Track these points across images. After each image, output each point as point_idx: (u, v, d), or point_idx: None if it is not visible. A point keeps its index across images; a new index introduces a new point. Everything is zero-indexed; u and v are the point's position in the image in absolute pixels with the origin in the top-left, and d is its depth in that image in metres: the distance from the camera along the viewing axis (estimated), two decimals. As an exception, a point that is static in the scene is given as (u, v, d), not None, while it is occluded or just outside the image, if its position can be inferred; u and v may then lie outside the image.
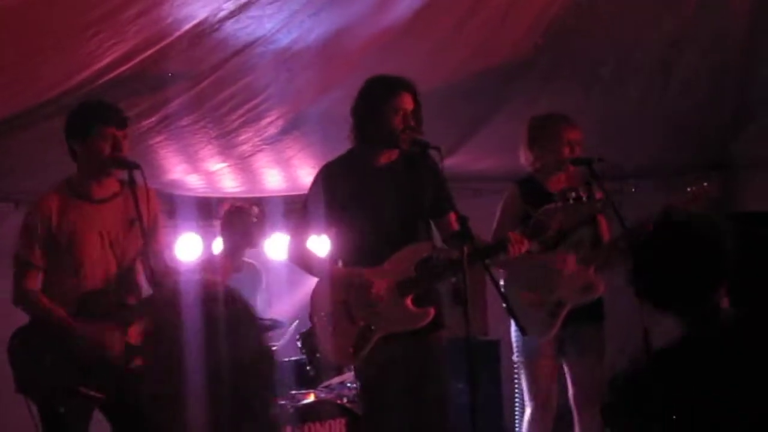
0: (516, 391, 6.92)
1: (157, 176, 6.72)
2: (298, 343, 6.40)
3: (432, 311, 4.75)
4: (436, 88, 5.95)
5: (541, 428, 5.48)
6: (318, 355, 6.01)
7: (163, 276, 4.43)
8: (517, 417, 7.04)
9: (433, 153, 4.62)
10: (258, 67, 5.71)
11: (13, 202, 6.61)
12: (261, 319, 6.40)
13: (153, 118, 5.94)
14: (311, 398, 6.03)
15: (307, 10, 5.27)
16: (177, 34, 5.01)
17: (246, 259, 6.69)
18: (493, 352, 7.37)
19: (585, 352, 5.46)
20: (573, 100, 6.52)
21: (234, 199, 6.98)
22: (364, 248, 4.78)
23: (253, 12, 5.07)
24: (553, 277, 5.35)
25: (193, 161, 6.88)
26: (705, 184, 5.52)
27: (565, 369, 5.52)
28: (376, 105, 4.75)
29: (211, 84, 5.73)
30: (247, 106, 6.11)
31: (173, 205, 7.31)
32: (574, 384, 5.52)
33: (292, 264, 5.21)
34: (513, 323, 5.19)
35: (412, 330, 4.75)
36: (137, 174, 4.37)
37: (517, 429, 6.95)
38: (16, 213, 6.45)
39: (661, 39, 6.44)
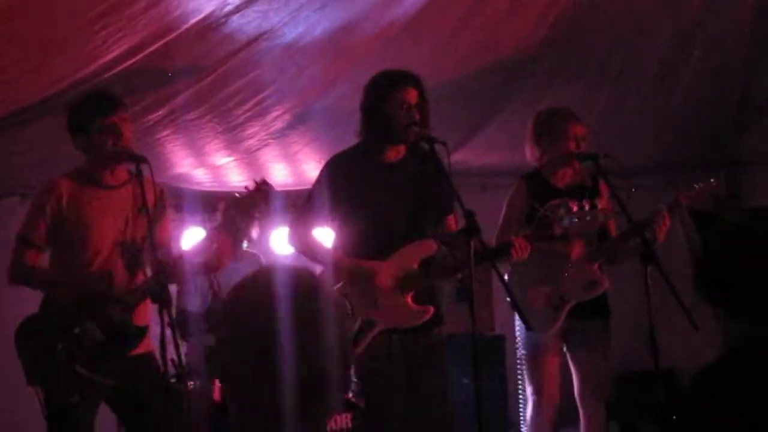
0: (521, 385, 6.93)
1: (164, 170, 6.73)
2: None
3: (432, 309, 4.75)
4: (442, 83, 5.95)
5: (545, 423, 5.47)
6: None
7: (169, 264, 4.42)
8: (521, 411, 7.06)
9: (439, 148, 4.61)
10: (264, 62, 5.71)
11: (19, 196, 6.62)
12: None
13: (160, 112, 5.95)
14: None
15: (313, 4, 5.27)
16: (183, 27, 5.01)
17: (249, 249, 6.70)
18: (499, 347, 7.37)
19: (590, 347, 5.46)
20: (578, 97, 6.52)
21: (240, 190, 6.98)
22: (367, 242, 4.77)
23: (259, 6, 5.07)
24: (558, 272, 5.35)
25: (199, 155, 6.89)
26: (712, 180, 5.52)
27: (570, 364, 5.52)
28: (381, 100, 4.74)
29: (217, 78, 5.74)
30: (253, 101, 6.12)
31: (180, 199, 7.32)
32: (579, 379, 5.51)
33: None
34: (518, 318, 5.19)
35: (412, 327, 4.75)
36: (145, 168, 4.36)
37: (522, 423, 6.97)
38: (22, 207, 6.46)
39: (666, 36, 6.43)
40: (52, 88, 5.26)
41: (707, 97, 7.02)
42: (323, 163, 4.99)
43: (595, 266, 5.38)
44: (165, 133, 6.28)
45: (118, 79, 5.28)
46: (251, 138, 6.67)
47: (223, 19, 5.08)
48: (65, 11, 4.50)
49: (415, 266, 4.76)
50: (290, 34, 5.48)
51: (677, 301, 4.56)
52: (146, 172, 4.34)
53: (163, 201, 4.74)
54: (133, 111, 5.73)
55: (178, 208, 7.25)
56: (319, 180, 4.88)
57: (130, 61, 5.16)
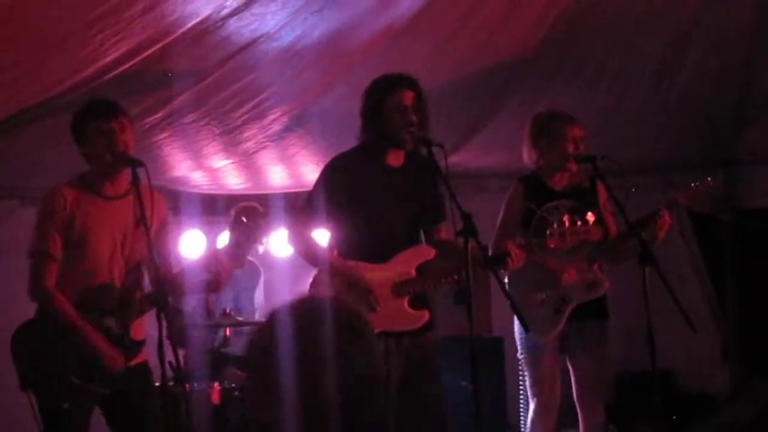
0: (520, 388, 6.93)
1: (162, 173, 6.73)
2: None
3: (427, 314, 4.77)
4: (440, 85, 5.95)
5: (544, 425, 5.47)
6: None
7: (170, 279, 4.42)
8: (521, 414, 7.06)
9: (437, 150, 4.62)
10: (262, 65, 5.71)
11: (18, 198, 6.63)
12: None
13: (157, 115, 5.95)
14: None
15: (311, 7, 5.27)
16: (181, 31, 5.01)
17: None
18: (497, 349, 7.37)
19: (589, 349, 5.45)
20: (576, 98, 6.52)
21: (240, 197, 6.99)
22: (366, 245, 4.78)
23: (257, 9, 5.07)
24: (557, 274, 5.35)
25: (197, 158, 6.90)
26: (709, 180, 5.52)
27: (569, 366, 5.52)
28: (378, 103, 4.76)
29: (215, 81, 5.74)
30: (251, 104, 6.12)
31: (178, 202, 7.33)
32: (578, 381, 5.51)
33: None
34: (516, 320, 5.19)
35: (407, 331, 4.77)
36: (141, 171, 4.36)
37: (521, 426, 6.97)
38: (22, 209, 6.48)
39: (665, 36, 6.43)
40: (50, 90, 5.26)
41: (705, 97, 7.02)
42: (321, 165, 4.99)
43: (595, 267, 5.39)
44: (163, 135, 6.28)
45: (115, 81, 5.28)
46: (249, 141, 6.68)
47: (221, 23, 5.08)
48: (63, 14, 4.50)
49: (413, 271, 4.77)
50: (288, 37, 5.48)
51: (675, 302, 4.57)
52: (143, 177, 4.33)
53: (163, 212, 4.73)
54: (131, 114, 5.72)
55: (176, 210, 7.26)
56: (318, 182, 4.88)
57: (128, 64, 5.16)
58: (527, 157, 5.55)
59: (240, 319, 6.48)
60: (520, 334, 5.45)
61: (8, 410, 5.25)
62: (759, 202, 8.03)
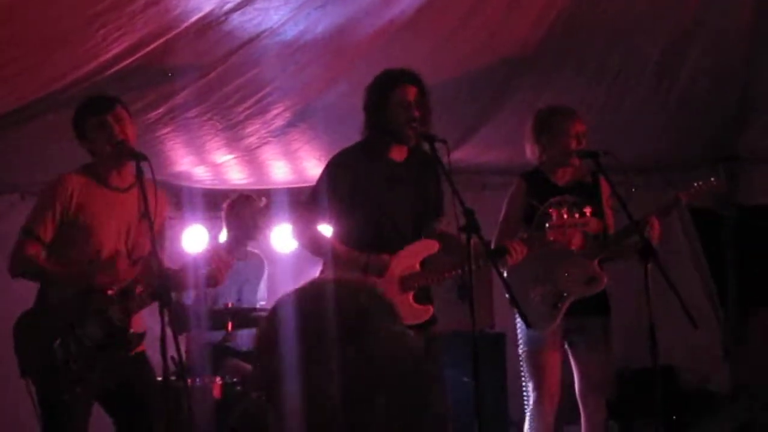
0: (522, 383, 6.93)
1: (165, 168, 6.74)
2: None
3: (431, 309, 4.80)
4: (441, 81, 5.95)
5: (544, 420, 5.47)
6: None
7: (170, 274, 4.42)
8: (523, 409, 7.06)
9: (440, 146, 4.62)
10: (265, 60, 5.71)
11: (19, 193, 6.64)
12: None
13: (160, 110, 5.96)
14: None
15: (314, 2, 5.28)
16: (184, 26, 5.02)
17: (250, 249, 6.69)
18: (499, 344, 7.37)
19: (591, 344, 5.45)
20: (577, 95, 6.52)
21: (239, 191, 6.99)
22: (369, 240, 4.79)
23: (260, 4, 5.08)
24: (557, 269, 5.35)
25: (200, 153, 6.90)
26: (713, 179, 5.52)
27: (571, 361, 5.52)
28: (381, 98, 4.77)
29: (217, 76, 5.74)
30: (253, 99, 6.12)
31: (180, 197, 7.33)
32: (579, 376, 5.51)
33: (299, 244, 5.20)
34: (518, 315, 5.19)
35: (412, 325, 4.77)
36: (145, 165, 4.37)
37: (522, 421, 6.98)
38: (23, 204, 6.48)
39: (665, 34, 6.43)
40: (52, 85, 5.26)
41: (706, 96, 7.01)
42: (324, 160, 5.00)
43: (595, 262, 5.38)
44: (165, 131, 6.29)
45: (118, 77, 5.29)
46: (252, 136, 6.68)
47: (224, 17, 5.08)
48: (65, 9, 4.51)
49: (417, 265, 4.78)
50: (291, 32, 5.48)
51: (677, 298, 4.57)
52: (147, 171, 4.34)
53: (164, 210, 4.76)
54: (134, 109, 5.72)
55: (179, 206, 7.27)
56: (322, 178, 4.89)
57: (130, 59, 5.17)
58: (530, 152, 5.55)
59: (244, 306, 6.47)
60: (522, 329, 5.46)
61: (11, 401, 5.25)
62: (759, 199, 8.03)
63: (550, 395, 5.43)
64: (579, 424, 5.56)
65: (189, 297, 6.29)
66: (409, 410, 2.01)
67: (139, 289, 4.57)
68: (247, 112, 6.26)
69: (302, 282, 2.09)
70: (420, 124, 4.72)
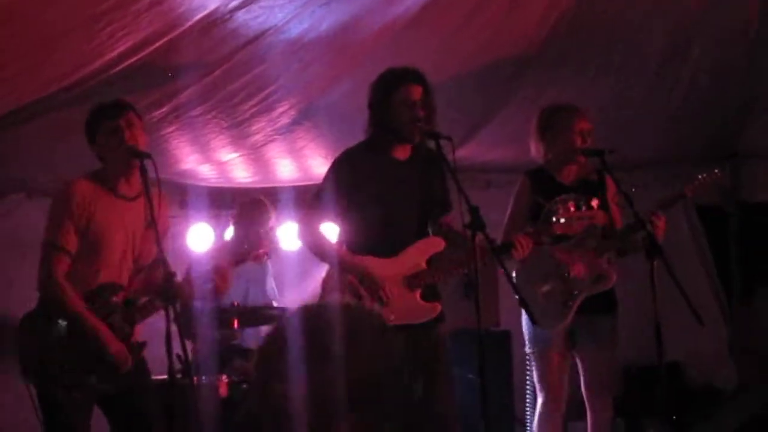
0: (528, 381, 6.93)
1: (170, 166, 6.73)
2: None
3: (439, 306, 4.80)
4: (446, 78, 5.95)
5: (552, 418, 5.47)
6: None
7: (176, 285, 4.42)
8: (528, 407, 7.06)
9: (444, 144, 4.62)
10: (269, 58, 5.71)
11: (25, 192, 6.64)
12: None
13: (165, 108, 5.95)
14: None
15: (318, 0, 5.27)
16: (188, 24, 5.01)
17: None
18: (505, 342, 7.37)
19: (597, 343, 5.44)
20: (582, 91, 6.51)
21: (245, 190, 7.01)
22: (375, 239, 4.80)
23: (265, 2, 5.07)
24: (565, 268, 5.35)
25: (205, 151, 6.90)
26: (716, 171, 5.51)
27: (577, 359, 5.51)
28: (385, 97, 4.78)
29: (222, 74, 5.74)
30: (258, 97, 6.12)
31: (185, 195, 7.33)
32: (586, 374, 5.50)
33: (304, 246, 5.21)
34: (524, 314, 5.18)
35: (419, 324, 4.78)
36: (149, 164, 4.37)
37: (528, 419, 6.97)
38: (29, 203, 6.49)
39: (668, 31, 6.42)
40: (56, 84, 5.26)
41: (709, 93, 7.01)
42: (330, 158, 5.00)
43: (603, 260, 5.38)
44: (170, 129, 6.29)
45: (122, 75, 5.29)
46: (257, 134, 6.68)
47: (228, 15, 5.08)
48: (69, 7, 4.50)
49: (423, 263, 4.78)
50: (295, 29, 5.48)
51: (683, 295, 4.56)
52: (150, 169, 4.34)
53: (166, 217, 4.77)
54: (138, 107, 5.73)
55: (184, 204, 7.27)
56: (327, 177, 4.90)
57: (135, 58, 5.17)
58: (534, 150, 5.55)
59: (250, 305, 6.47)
60: (528, 327, 5.45)
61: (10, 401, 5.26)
62: (763, 196, 8.02)
63: (557, 395, 5.43)
64: (585, 421, 5.56)
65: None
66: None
67: (143, 299, 4.58)
68: (253, 110, 6.26)
69: (307, 292, 2.14)
70: (424, 123, 4.72)
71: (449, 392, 4.88)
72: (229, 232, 6.93)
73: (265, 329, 6.67)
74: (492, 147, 7.47)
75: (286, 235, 7.56)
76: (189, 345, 5.47)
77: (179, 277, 4.44)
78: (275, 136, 6.77)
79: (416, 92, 4.75)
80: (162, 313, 4.14)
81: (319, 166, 7.13)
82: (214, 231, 7.38)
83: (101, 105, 4.61)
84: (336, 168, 4.90)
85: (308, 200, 5.21)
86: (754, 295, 7.90)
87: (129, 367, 4.49)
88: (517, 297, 4.55)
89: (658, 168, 7.77)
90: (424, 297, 4.80)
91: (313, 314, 2.05)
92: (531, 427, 5.82)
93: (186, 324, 5.54)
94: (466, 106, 6.69)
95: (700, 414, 6.94)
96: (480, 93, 6.74)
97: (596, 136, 5.44)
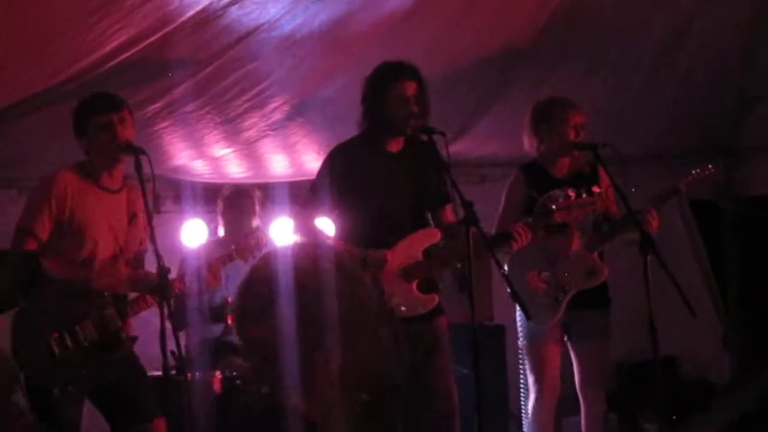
0: (521, 375, 6.94)
1: (163, 162, 6.73)
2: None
3: (437, 297, 4.80)
4: (440, 73, 5.95)
5: (545, 412, 5.48)
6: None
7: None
8: (522, 401, 7.06)
9: (438, 139, 4.63)
10: (262, 53, 5.71)
11: (16, 188, 6.63)
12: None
13: (158, 104, 5.95)
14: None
15: (311, -5, 5.27)
16: (181, 19, 5.01)
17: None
18: (499, 337, 7.37)
19: (591, 337, 5.45)
20: (576, 85, 6.50)
21: (233, 185, 6.99)
22: (370, 232, 4.80)
23: (258, -3, 5.08)
24: (558, 262, 5.35)
25: (198, 147, 6.89)
26: (710, 166, 5.51)
27: (571, 353, 5.52)
28: (379, 93, 4.78)
29: (215, 70, 5.74)
30: (252, 92, 6.12)
31: (179, 191, 7.32)
32: (579, 368, 5.51)
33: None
34: (518, 308, 5.19)
35: (417, 316, 4.78)
36: (144, 160, 4.37)
37: (522, 413, 6.98)
38: (20, 199, 6.46)
39: (664, 25, 6.42)
40: (50, 79, 5.26)
41: (704, 87, 7.01)
42: (323, 154, 5.01)
43: (595, 255, 5.38)
44: (163, 124, 6.28)
45: (116, 71, 5.29)
46: (250, 129, 6.67)
47: (221, 11, 5.08)
48: (62, 3, 4.50)
49: (420, 255, 4.79)
50: (288, 25, 5.48)
51: (676, 287, 4.57)
52: (145, 165, 4.34)
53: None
54: (132, 102, 5.72)
55: (177, 200, 7.26)
56: (321, 172, 4.91)
57: (129, 53, 5.16)
58: (528, 144, 5.55)
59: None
60: (522, 321, 5.46)
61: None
62: (758, 190, 8.02)
63: (550, 389, 5.44)
64: (579, 416, 5.57)
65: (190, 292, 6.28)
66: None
67: (131, 294, 4.58)
68: (246, 105, 6.26)
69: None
70: (418, 118, 4.72)
71: (446, 372, 4.87)
72: (221, 230, 6.92)
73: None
74: (486, 141, 7.47)
75: (280, 230, 7.55)
76: (182, 340, 5.48)
77: (173, 273, 4.44)
78: (268, 132, 6.76)
79: (410, 88, 4.75)
80: (156, 309, 4.13)
81: (312, 161, 7.12)
82: (208, 227, 7.36)
83: (93, 96, 4.61)
84: (329, 162, 4.91)
85: (304, 195, 5.21)
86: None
87: (120, 333, 4.52)
88: (510, 291, 4.55)
89: (652, 162, 7.76)
90: (421, 288, 4.80)
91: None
92: (525, 420, 5.81)
93: (179, 317, 5.54)
94: (459, 100, 6.69)
95: (695, 408, 6.95)
96: (474, 87, 6.73)
97: (591, 130, 5.44)
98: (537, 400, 5.47)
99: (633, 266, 4.89)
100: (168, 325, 4.03)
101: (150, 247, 4.44)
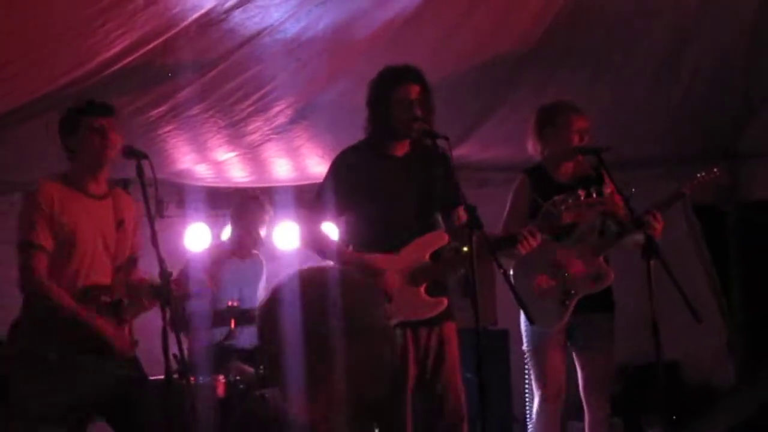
0: (526, 380, 6.93)
1: (166, 166, 6.74)
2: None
3: (445, 301, 4.78)
4: (443, 77, 5.94)
5: (550, 417, 5.46)
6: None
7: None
8: (526, 406, 7.05)
9: (442, 143, 4.62)
10: (266, 57, 5.71)
11: (20, 192, 6.62)
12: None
13: (162, 108, 5.96)
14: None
15: (315, -1, 5.28)
16: (184, 24, 5.01)
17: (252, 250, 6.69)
18: (503, 341, 7.36)
19: (594, 341, 5.44)
20: (580, 90, 6.50)
21: (247, 189, 7.00)
22: (376, 236, 4.79)
23: (261, 1, 5.07)
24: (564, 266, 5.34)
25: (202, 150, 6.90)
26: (715, 170, 5.50)
27: (575, 357, 5.51)
28: (383, 97, 4.77)
29: (219, 74, 5.74)
30: (255, 96, 6.12)
31: (182, 195, 7.33)
32: (583, 373, 5.50)
33: (305, 248, 5.21)
34: (522, 312, 5.18)
35: (425, 319, 4.76)
36: (145, 164, 4.36)
37: (527, 418, 6.97)
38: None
39: (667, 29, 6.42)
40: (53, 83, 5.26)
41: (708, 91, 7.00)
42: (327, 157, 5.00)
43: (601, 259, 5.38)
44: (167, 128, 6.29)
45: (119, 74, 5.29)
46: (254, 133, 6.68)
47: (225, 15, 5.08)
48: (65, 7, 4.50)
49: (427, 257, 4.77)
50: (292, 29, 5.48)
51: (680, 293, 4.55)
52: (147, 169, 4.33)
53: (139, 217, 4.77)
54: (136, 107, 5.74)
55: (181, 204, 7.27)
56: (327, 176, 4.91)
57: (132, 57, 5.17)
58: (532, 147, 5.54)
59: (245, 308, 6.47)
60: (526, 326, 5.45)
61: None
62: (762, 194, 8.02)
63: (554, 394, 5.43)
64: (583, 420, 5.56)
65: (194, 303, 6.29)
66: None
67: (126, 299, 4.57)
68: (249, 109, 6.26)
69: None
70: (422, 122, 4.72)
71: (454, 380, 4.85)
72: (226, 232, 6.92)
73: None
74: (489, 145, 7.47)
75: (283, 234, 7.56)
76: (185, 343, 5.47)
77: (175, 276, 4.44)
78: (272, 136, 6.77)
79: (414, 91, 4.74)
80: (159, 313, 4.12)
81: (315, 165, 7.13)
82: (211, 231, 7.37)
83: (84, 102, 4.61)
84: (334, 167, 4.90)
85: (310, 200, 5.21)
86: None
87: (132, 354, 4.50)
88: (514, 296, 4.53)
89: (656, 167, 7.76)
90: (429, 292, 4.78)
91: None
92: (529, 425, 5.80)
93: (181, 320, 5.54)
94: (462, 104, 6.69)
95: (698, 412, 6.94)
96: (477, 91, 6.73)
97: (594, 135, 5.43)
98: (541, 404, 5.46)
99: (637, 270, 4.88)
100: (170, 329, 4.03)
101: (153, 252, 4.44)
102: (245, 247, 6.57)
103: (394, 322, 4.68)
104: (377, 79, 4.86)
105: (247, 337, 6.42)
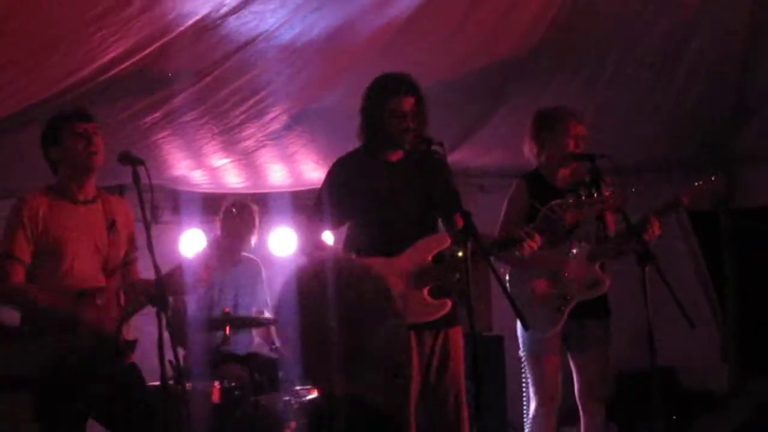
0: (522, 386, 6.93)
1: (161, 172, 6.73)
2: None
3: (449, 303, 4.75)
4: (439, 83, 5.95)
5: (546, 423, 5.46)
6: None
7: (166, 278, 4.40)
8: (522, 412, 7.05)
9: (437, 149, 4.61)
10: (261, 63, 5.71)
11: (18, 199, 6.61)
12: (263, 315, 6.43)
13: (157, 114, 5.95)
14: (316, 393, 6.01)
15: (310, 5, 5.27)
16: (179, 30, 5.01)
17: (246, 254, 6.68)
18: (498, 347, 7.36)
19: (590, 347, 5.45)
20: (574, 96, 6.51)
21: (236, 195, 6.99)
22: (376, 242, 4.78)
23: (256, 7, 5.07)
24: (560, 273, 5.34)
25: (197, 156, 6.89)
26: (712, 178, 5.50)
27: (571, 363, 5.51)
28: (376, 107, 4.76)
29: (214, 80, 5.74)
30: (250, 102, 6.12)
31: (177, 201, 7.32)
32: (579, 378, 5.50)
33: (303, 253, 5.21)
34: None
35: (429, 322, 4.75)
36: (141, 170, 4.35)
37: (522, 424, 6.96)
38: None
39: (663, 33, 6.42)
40: (49, 90, 5.25)
41: (703, 97, 7.01)
42: (321, 163, 5.00)
43: (597, 266, 5.38)
44: (162, 134, 6.28)
45: (114, 81, 5.29)
46: (248, 139, 6.68)
47: (219, 21, 5.08)
48: (60, 13, 4.50)
49: (428, 260, 4.76)
50: (287, 35, 5.48)
51: (674, 299, 4.55)
52: (143, 175, 4.33)
53: (131, 218, 4.77)
54: (130, 113, 5.73)
55: (176, 210, 7.26)
56: (324, 184, 4.90)
57: (127, 63, 5.16)
58: (528, 151, 5.54)
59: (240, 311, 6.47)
60: (522, 332, 5.44)
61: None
62: (757, 200, 8.03)
63: (550, 399, 5.43)
64: (578, 426, 5.56)
65: (190, 308, 6.28)
66: None
67: (122, 298, 4.56)
68: (244, 115, 6.26)
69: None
70: (415, 132, 4.70)
71: (456, 387, 4.83)
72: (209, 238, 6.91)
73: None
74: (484, 151, 7.48)
75: (279, 240, 7.56)
76: (180, 352, 5.47)
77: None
78: (267, 142, 6.77)
79: (407, 103, 4.73)
80: (155, 320, 4.12)
81: (310, 170, 7.13)
82: (207, 237, 7.36)
83: (67, 109, 4.63)
84: (331, 175, 4.90)
85: (308, 207, 5.20)
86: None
87: (113, 330, 4.50)
88: (509, 302, 4.52)
89: (652, 173, 7.77)
90: (432, 294, 4.76)
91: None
92: (526, 430, 5.80)
93: (177, 329, 5.54)
94: (458, 110, 6.70)
95: (694, 418, 6.95)
96: (472, 97, 6.74)
97: (590, 140, 5.43)
98: (537, 409, 5.46)
99: (632, 276, 4.88)
100: (166, 336, 4.02)
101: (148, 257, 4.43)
102: (235, 252, 6.56)
103: None
104: (371, 88, 4.84)
105: (242, 343, 6.42)
